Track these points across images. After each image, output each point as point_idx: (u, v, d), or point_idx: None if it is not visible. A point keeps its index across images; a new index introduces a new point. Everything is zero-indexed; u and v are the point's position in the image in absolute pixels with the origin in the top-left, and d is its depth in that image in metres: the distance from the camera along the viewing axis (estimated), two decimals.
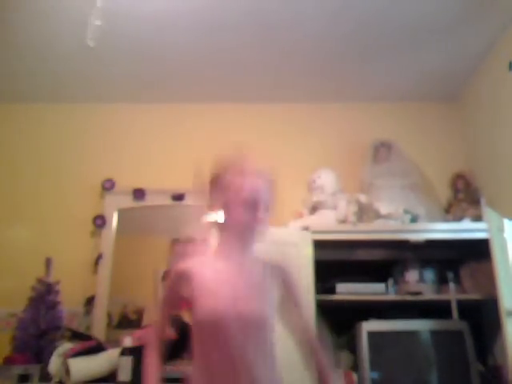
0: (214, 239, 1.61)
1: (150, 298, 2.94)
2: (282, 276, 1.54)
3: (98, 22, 2.23)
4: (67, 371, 2.27)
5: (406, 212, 2.69)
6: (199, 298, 1.42)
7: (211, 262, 1.51)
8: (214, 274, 1.47)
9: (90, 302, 2.87)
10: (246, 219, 1.47)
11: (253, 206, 1.47)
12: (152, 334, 1.57)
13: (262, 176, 1.53)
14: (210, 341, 1.39)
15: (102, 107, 3.34)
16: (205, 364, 1.39)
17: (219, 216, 1.52)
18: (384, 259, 2.79)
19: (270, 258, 1.57)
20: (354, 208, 2.74)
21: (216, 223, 1.55)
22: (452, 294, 2.56)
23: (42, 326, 2.68)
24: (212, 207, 1.54)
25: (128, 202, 3.11)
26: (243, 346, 1.37)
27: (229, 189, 1.49)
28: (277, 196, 1.57)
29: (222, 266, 1.48)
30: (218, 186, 1.51)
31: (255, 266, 1.52)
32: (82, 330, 2.75)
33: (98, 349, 2.42)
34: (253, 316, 1.41)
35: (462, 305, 2.54)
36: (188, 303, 1.47)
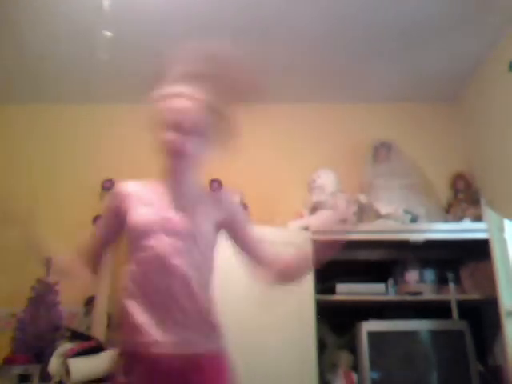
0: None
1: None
2: (225, 207, 1.50)
3: (108, 33, 2.23)
4: (67, 371, 2.27)
5: (406, 212, 2.70)
6: (132, 210, 1.43)
7: (148, 184, 1.54)
8: (148, 191, 1.49)
9: (89, 302, 2.87)
10: (168, 140, 1.42)
11: (175, 127, 1.41)
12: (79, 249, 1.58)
13: (196, 99, 1.45)
14: (140, 249, 1.38)
15: (102, 107, 3.34)
16: (136, 273, 1.38)
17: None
18: (384, 259, 2.79)
19: (213, 191, 1.59)
20: (354, 208, 2.74)
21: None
22: (452, 294, 2.56)
23: (42, 326, 2.68)
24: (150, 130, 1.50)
25: None
26: (171, 254, 1.35)
27: (158, 110, 1.47)
28: (222, 120, 1.51)
29: (157, 187, 1.50)
30: (153, 108, 1.48)
31: (193, 191, 1.49)
32: (81, 330, 2.74)
33: (97, 349, 2.42)
34: (182, 228, 1.39)
35: (461, 305, 2.54)
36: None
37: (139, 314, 1.32)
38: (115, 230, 1.51)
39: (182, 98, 1.45)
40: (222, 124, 1.51)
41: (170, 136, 1.41)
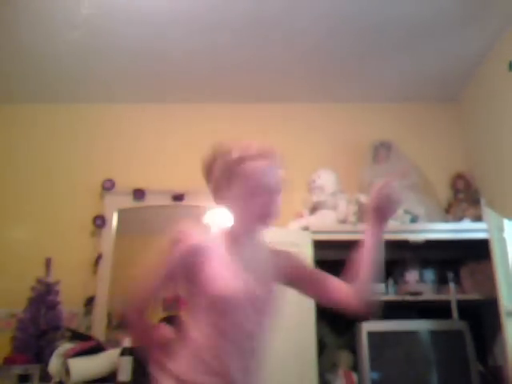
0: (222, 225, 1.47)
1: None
2: (288, 262, 1.47)
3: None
4: (67, 371, 2.27)
5: (406, 212, 2.69)
6: (211, 273, 1.31)
7: (224, 244, 1.40)
8: (224, 254, 1.37)
9: (89, 302, 2.87)
10: (263, 205, 1.36)
11: (274, 191, 1.38)
12: (136, 303, 1.37)
13: (273, 157, 1.41)
14: (220, 316, 1.30)
15: (102, 107, 3.34)
16: (206, 343, 1.29)
17: (230, 207, 1.41)
18: (384, 259, 2.78)
19: (274, 247, 1.50)
20: (353, 208, 2.74)
21: (227, 213, 1.43)
22: (452, 294, 2.56)
23: (42, 327, 2.68)
24: (221, 199, 1.41)
25: (128, 202, 3.11)
26: (253, 326, 1.32)
27: (246, 176, 1.36)
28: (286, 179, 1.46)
29: (236, 249, 1.39)
30: (230, 174, 1.37)
31: (263, 253, 1.45)
32: (81, 330, 2.74)
33: (97, 349, 2.42)
34: (265, 298, 1.36)
35: (461, 305, 2.54)
36: (186, 302, 1.43)
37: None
38: (175, 283, 1.43)
39: (269, 158, 1.40)
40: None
41: (279, 200, 1.39)
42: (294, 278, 1.46)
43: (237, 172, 1.37)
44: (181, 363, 1.30)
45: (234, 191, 1.38)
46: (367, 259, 1.51)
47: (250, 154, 1.38)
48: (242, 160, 1.37)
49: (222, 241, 1.40)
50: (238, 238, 1.41)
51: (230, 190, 1.38)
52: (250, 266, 1.37)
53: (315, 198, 2.81)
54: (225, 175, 1.38)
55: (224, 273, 1.32)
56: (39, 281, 2.83)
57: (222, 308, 1.30)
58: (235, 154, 1.37)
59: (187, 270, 1.33)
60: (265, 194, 1.37)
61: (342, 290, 1.45)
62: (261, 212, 1.38)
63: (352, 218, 2.70)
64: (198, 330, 1.32)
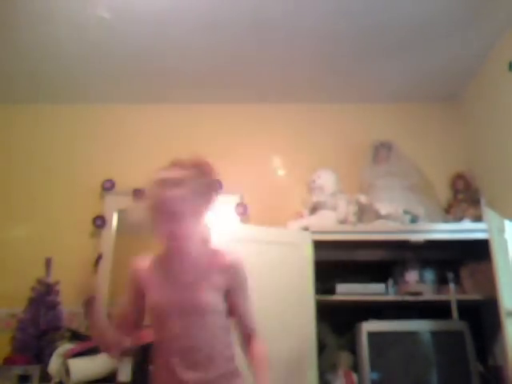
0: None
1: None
2: (231, 278, 1.56)
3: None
4: (67, 371, 2.27)
5: (406, 212, 2.69)
6: (147, 292, 1.55)
7: (157, 262, 1.61)
8: (157, 270, 1.58)
9: None
10: (159, 230, 1.51)
11: (158, 217, 1.49)
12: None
13: (170, 181, 1.51)
14: (156, 327, 1.53)
15: (102, 107, 3.34)
16: (157, 347, 1.54)
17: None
18: (384, 259, 2.79)
19: (224, 257, 1.58)
20: (353, 208, 2.74)
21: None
22: (452, 294, 2.56)
23: (42, 327, 2.68)
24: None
25: (128, 202, 3.11)
26: (182, 331, 1.47)
27: (149, 203, 1.53)
28: (201, 175, 1.55)
29: (164, 265, 1.58)
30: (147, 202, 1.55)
31: (200, 260, 1.57)
32: (81, 330, 2.74)
33: (97, 349, 2.41)
34: (189, 304, 1.49)
35: (461, 305, 2.54)
36: None
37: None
38: (140, 304, 1.60)
39: (165, 185, 1.50)
40: (206, 189, 1.56)
41: (165, 227, 1.49)
42: (228, 293, 1.57)
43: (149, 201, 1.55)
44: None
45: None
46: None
47: (156, 184, 1.54)
48: (151, 189, 1.55)
49: (155, 262, 1.61)
50: (164, 255, 1.59)
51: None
52: (175, 277, 1.55)
53: (315, 198, 2.81)
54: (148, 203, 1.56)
55: (151, 287, 1.55)
56: (39, 281, 2.83)
57: (153, 314, 1.55)
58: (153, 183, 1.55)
59: (139, 288, 1.58)
60: (155, 216, 1.51)
61: (244, 334, 1.59)
62: (160, 235, 1.54)
63: (352, 218, 2.70)
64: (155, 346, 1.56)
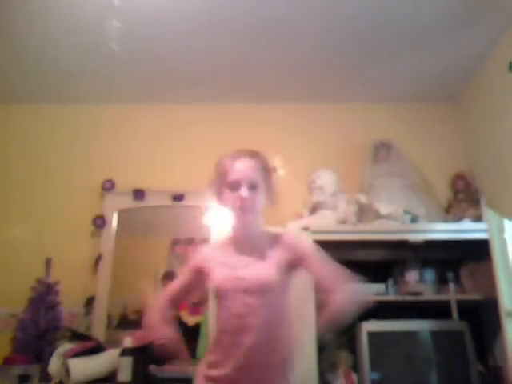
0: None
1: (149, 299, 2.94)
2: (292, 249, 1.59)
3: (116, 24, 2.27)
4: (67, 371, 2.27)
5: (406, 212, 2.69)
6: (212, 272, 1.58)
7: (224, 244, 1.66)
8: (224, 251, 1.63)
9: (89, 302, 2.87)
10: (231, 199, 1.57)
11: (235, 186, 1.56)
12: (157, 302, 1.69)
13: (248, 156, 1.61)
14: (221, 307, 1.56)
15: (102, 107, 3.34)
16: (220, 328, 1.57)
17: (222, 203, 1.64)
18: (384, 259, 2.79)
19: (279, 235, 1.64)
20: (353, 208, 2.74)
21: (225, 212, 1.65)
22: (452, 294, 2.56)
23: (42, 327, 2.68)
24: (215, 197, 1.66)
25: (128, 202, 3.11)
26: (247, 310, 1.49)
27: (218, 174, 1.62)
28: (274, 176, 1.67)
29: (230, 245, 1.63)
30: (215, 175, 1.64)
31: (262, 241, 1.61)
32: (81, 330, 2.74)
33: (97, 349, 2.42)
34: (255, 285, 1.52)
35: (461, 305, 2.54)
36: (187, 304, 1.63)
37: (222, 369, 1.50)
38: (194, 287, 1.71)
39: (243, 159, 1.60)
40: (270, 177, 1.66)
41: (244, 193, 1.55)
42: (295, 266, 1.60)
43: (216, 174, 1.64)
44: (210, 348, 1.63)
45: (214, 189, 1.65)
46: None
47: (224, 157, 1.63)
48: (218, 162, 1.64)
49: (223, 243, 1.67)
50: (233, 236, 1.65)
51: (213, 188, 1.66)
52: (241, 255, 1.60)
53: (315, 198, 2.81)
54: (216, 178, 1.65)
55: (217, 268, 1.58)
56: (39, 281, 2.83)
57: (218, 294, 1.58)
58: (223, 159, 1.64)
59: (202, 274, 1.62)
60: (226, 189, 1.59)
61: (325, 288, 1.57)
62: (228, 206, 1.60)
63: (352, 218, 2.70)
64: (217, 316, 1.61)
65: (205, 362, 1.59)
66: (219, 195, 1.63)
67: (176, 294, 1.71)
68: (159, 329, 1.63)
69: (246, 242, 1.61)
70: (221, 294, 1.56)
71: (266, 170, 1.64)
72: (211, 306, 1.67)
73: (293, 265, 1.59)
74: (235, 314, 1.50)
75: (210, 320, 1.73)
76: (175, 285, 1.72)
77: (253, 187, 1.57)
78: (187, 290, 1.71)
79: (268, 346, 1.49)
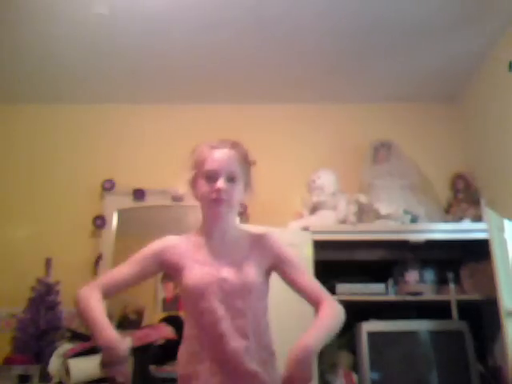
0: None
1: (149, 299, 2.94)
2: (271, 252, 1.49)
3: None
4: (67, 371, 2.26)
5: (406, 212, 2.69)
6: (187, 269, 1.44)
7: (193, 240, 1.52)
8: (197, 248, 1.49)
9: None
10: (206, 190, 1.46)
11: (212, 176, 1.46)
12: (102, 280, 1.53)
13: (228, 147, 1.51)
14: (196, 310, 1.40)
15: (102, 107, 3.34)
16: (192, 334, 1.40)
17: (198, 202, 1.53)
18: (384, 259, 2.79)
19: (256, 235, 1.54)
20: (353, 208, 2.74)
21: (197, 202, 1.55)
22: (452, 294, 2.56)
23: (42, 327, 2.68)
24: (188, 186, 1.56)
25: (128, 202, 3.11)
26: (226, 314, 1.37)
27: (195, 162, 1.53)
28: (252, 168, 1.56)
29: (204, 241, 1.50)
30: (190, 162, 1.55)
31: (239, 240, 1.51)
32: (81, 330, 2.74)
33: (97, 349, 2.40)
34: (234, 284, 1.41)
35: (461, 305, 2.54)
36: (183, 305, 1.49)
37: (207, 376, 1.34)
38: (141, 279, 1.51)
39: (222, 148, 1.50)
40: (249, 171, 1.55)
41: (220, 184, 1.43)
42: (276, 270, 1.50)
43: (192, 162, 1.54)
44: (179, 359, 1.42)
45: (188, 180, 1.55)
46: None
47: (203, 144, 1.55)
48: (195, 150, 1.56)
49: (193, 237, 1.53)
50: (205, 231, 1.52)
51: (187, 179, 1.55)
52: (219, 253, 1.47)
53: (315, 198, 2.81)
54: (192, 166, 1.55)
55: (191, 265, 1.44)
56: (39, 281, 2.83)
57: (193, 296, 1.41)
58: (201, 147, 1.55)
59: (169, 269, 1.48)
60: (201, 180, 1.49)
61: (306, 295, 1.48)
62: (202, 198, 1.48)
63: (352, 218, 2.70)
64: (186, 322, 1.45)
65: (180, 371, 1.41)
66: (193, 185, 1.53)
67: (114, 285, 1.50)
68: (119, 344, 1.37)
69: (222, 240, 1.49)
70: (197, 296, 1.40)
71: (246, 163, 1.53)
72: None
73: (271, 269, 1.49)
74: (218, 317, 1.36)
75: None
76: (118, 274, 1.51)
77: (231, 179, 1.46)
78: (133, 281, 1.49)
79: (254, 350, 1.37)
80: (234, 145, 1.53)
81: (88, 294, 1.49)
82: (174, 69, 3.03)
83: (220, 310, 1.37)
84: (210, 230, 1.51)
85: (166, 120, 3.34)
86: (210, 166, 1.47)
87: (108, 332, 1.37)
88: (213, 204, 1.46)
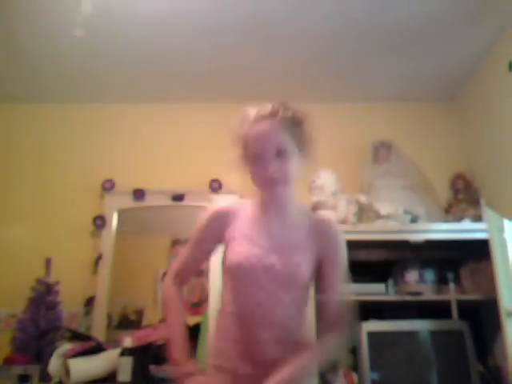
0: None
1: (149, 299, 2.94)
2: (324, 243, 1.38)
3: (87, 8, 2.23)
4: (67, 372, 2.27)
5: (406, 212, 2.69)
6: (234, 243, 1.33)
7: (250, 211, 1.40)
8: (251, 222, 1.36)
9: (89, 302, 2.87)
10: (256, 172, 1.32)
11: (259, 158, 1.31)
12: (171, 279, 1.41)
13: (268, 117, 1.35)
14: (235, 290, 1.32)
15: (102, 107, 3.34)
16: (232, 311, 1.32)
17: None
18: (384, 259, 2.79)
19: (317, 218, 1.42)
20: (354, 208, 2.74)
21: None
22: (452, 294, 2.56)
23: (42, 327, 2.68)
24: (238, 165, 1.41)
25: (128, 202, 3.11)
26: (269, 300, 1.28)
27: (237, 142, 1.38)
28: (304, 125, 1.38)
29: (260, 217, 1.37)
30: (235, 145, 1.39)
31: (296, 223, 1.39)
32: (81, 330, 2.74)
33: (97, 349, 2.42)
34: (284, 270, 1.30)
35: (461, 305, 2.54)
36: (193, 309, 1.46)
37: (230, 361, 1.29)
38: (211, 251, 1.43)
39: (262, 121, 1.34)
40: (301, 131, 1.39)
41: (269, 167, 1.29)
42: (320, 257, 1.39)
43: (239, 141, 1.37)
44: (215, 331, 1.36)
45: (237, 161, 1.40)
46: None
47: (239, 124, 1.38)
48: (234, 134, 1.39)
49: (250, 208, 1.40)
50: (262, 207, 1.39)
51: (243, 160, 1.38)
52: (273, 235, 1.34)
53: (315, 198, 2.81)
54: (238, 145, 1.39)
55: (241, 240, 1.32)
56: (39, 281, 2.83)
57: (236, 274, 1.32)
58: (241, 121, 1.38)
59: (216, 234, 1.37)
60: (249, 165, 1.35)
61: (324, 308, 1.41)
62: (255, 183, 1.36)
63: (352, 218, 2.70)
64: (225, 296, 1.36)
65: (210, 349, 1.37)
66: (241, 162, 1.37)
67: (187, 270, 1.43)
68: (183, 364, 1.30)
69: (279, 217, 1.35)
70: (239, 276, 1.29)
71: (295, 124, 1.36)
72: (213, 285, 1.40)
73: (318, 261, 1.37)
74: (257, 302, 1.27)
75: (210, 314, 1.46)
76: (185, 258, 1.42)
77: (280, 153, 1.30)
78: (201, 259, 1.42)
79: (287, 342, 1.28)
80: (275, 111, 1.35)
81: (171, 292, 1.41)
82: (174, 69, 3.03)
83: (260, 297, 1.28)
84: (267, 207, 1.38)
85: (166, 120, 3.34)
86: (253, 147, 1.32)
87: (177, 354, 1.32)
88: (266, 186, 1.33)
